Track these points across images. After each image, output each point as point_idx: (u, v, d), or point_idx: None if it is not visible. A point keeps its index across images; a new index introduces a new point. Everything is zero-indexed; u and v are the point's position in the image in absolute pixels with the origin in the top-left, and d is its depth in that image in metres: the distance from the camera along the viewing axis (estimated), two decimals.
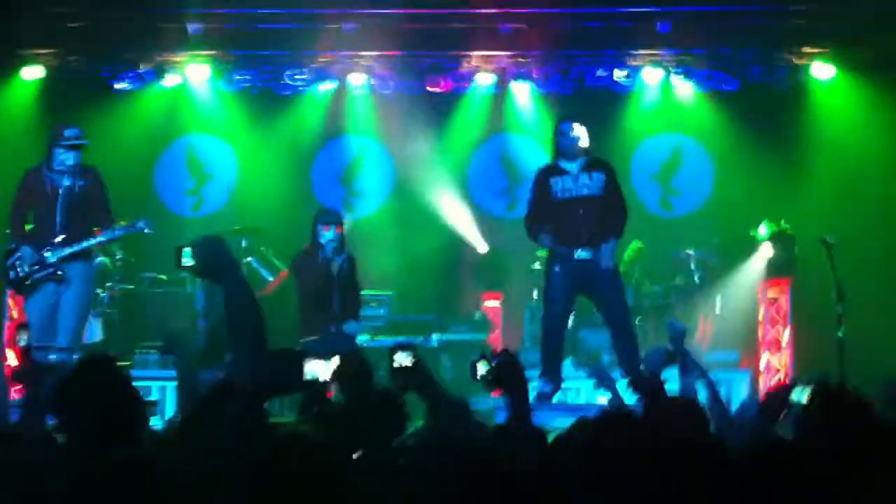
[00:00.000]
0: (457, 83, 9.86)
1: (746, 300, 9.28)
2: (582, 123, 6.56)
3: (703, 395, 3.92)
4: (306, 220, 7.33)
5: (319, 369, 3.94)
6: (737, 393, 8.45)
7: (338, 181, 10.59)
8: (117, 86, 9.72)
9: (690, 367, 4.03)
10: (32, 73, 9.60)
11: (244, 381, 3.53)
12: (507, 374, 3.65)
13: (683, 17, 9.15)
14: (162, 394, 7.92)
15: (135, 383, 8.35)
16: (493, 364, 3.69)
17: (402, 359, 3.84)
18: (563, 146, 6.54)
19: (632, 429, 2.75)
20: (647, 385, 3.80)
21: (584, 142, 6.53)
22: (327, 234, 6.95)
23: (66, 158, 6.52)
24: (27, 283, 6.51)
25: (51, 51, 9.53)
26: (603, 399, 6.38)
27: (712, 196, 10.23)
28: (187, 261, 4.20)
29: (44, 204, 6.53)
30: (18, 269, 6.48)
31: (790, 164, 9.67)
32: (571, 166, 6.50)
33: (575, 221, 6.38)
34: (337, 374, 4.07)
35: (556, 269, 6.45)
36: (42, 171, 6.56)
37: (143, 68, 9.69)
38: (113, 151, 9.10)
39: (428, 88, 9.82)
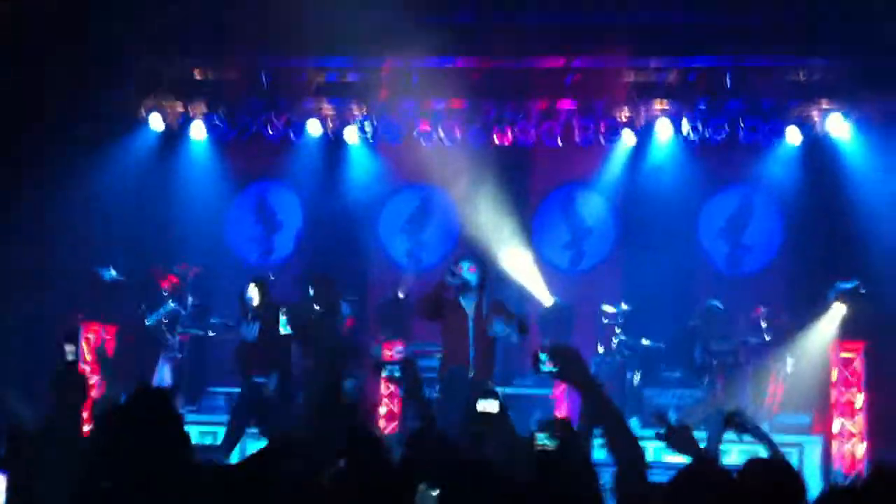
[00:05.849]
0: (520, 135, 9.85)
1: (819, 361, 8.93)
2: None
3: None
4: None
5: None
6: (809, 458, 8.18)
7: (401, 231, 10.55)
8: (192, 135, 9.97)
9: (749, 430, 3.91)
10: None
11: None
12: (567, 362, 3.54)
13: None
14: None
15: (203, 429, 8.25)
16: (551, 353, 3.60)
17: (487, 405, 3.80)
18: None
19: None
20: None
21: None
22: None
23: None
24: None
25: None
26: (671, 458, 6.22)
27: (783, 252, 9.98)
28: None
29: None
30: None
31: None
32: None
33: None
34: None
35: None
36: None
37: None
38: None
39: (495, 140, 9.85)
